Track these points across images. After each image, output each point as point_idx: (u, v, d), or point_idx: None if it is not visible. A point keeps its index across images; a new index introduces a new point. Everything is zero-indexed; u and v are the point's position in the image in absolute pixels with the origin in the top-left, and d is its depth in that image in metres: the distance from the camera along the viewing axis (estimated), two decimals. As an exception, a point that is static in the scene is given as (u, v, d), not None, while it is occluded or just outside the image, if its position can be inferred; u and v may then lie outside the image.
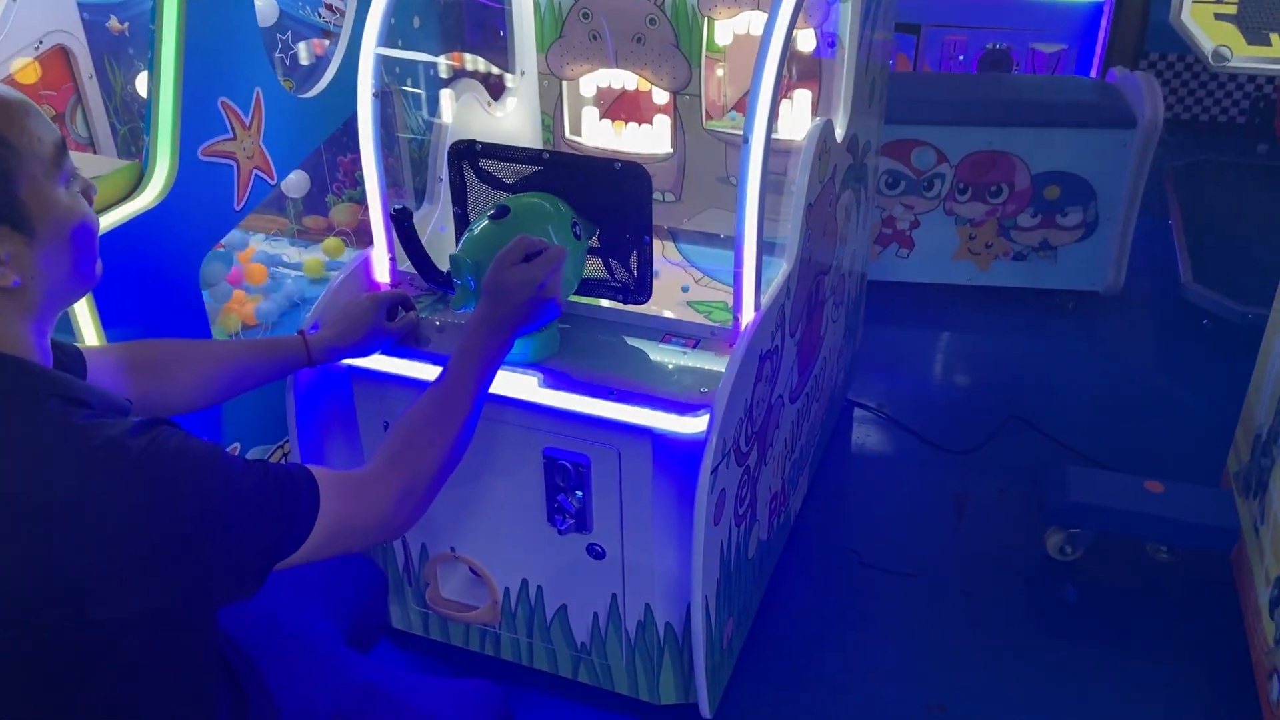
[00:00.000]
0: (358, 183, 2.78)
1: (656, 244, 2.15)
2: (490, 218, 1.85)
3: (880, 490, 2.87)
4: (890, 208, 3.54)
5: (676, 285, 2.41)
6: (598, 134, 2.81)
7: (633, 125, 2.78)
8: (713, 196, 2.77)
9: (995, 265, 3.59)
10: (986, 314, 3.62)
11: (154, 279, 1.95)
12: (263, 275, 2.68)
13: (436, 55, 2.79)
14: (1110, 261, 3.46)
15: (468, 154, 2.04)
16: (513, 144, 2.08)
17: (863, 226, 2.93)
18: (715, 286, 2.44)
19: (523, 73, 2.72)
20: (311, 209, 2.82)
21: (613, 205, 1.97)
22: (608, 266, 2.03)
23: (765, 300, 2.02)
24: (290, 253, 2.81)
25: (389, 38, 2.09)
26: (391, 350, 2.00)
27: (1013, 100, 3.47)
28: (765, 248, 1.98)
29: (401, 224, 1.87)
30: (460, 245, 1.87)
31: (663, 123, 2.75)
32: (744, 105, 2.69)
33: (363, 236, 2.81)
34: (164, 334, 1.96)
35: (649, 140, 2.78)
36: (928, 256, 3.60)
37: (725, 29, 2.60)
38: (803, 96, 2.60)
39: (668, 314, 2.15)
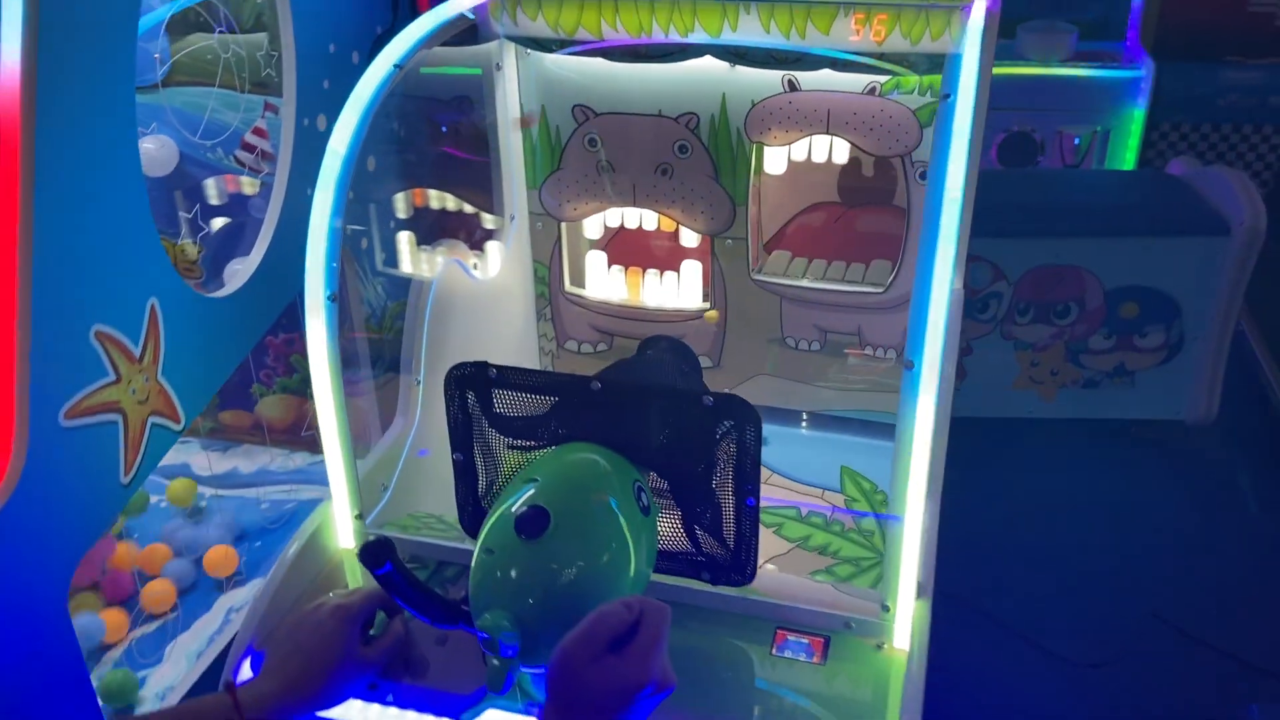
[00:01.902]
0: (294, 369, 2.10)
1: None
2: (521, 533, 1.18)
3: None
4: (937, 332, 2.96)
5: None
6: (606, 286, 2.19)
7: (653, 274, 2.16)
8: (761, 361, 2.16)
9: (1062, 395, 3.03)
10: (1057, 451, 3.05)
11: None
12: (165, 556, 1.95)
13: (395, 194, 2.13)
14: (1200, 386, 2.93)
15: (475, 381, 1.39)
16: (524, 368, 1.44)
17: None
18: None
19: (512, 218, 2.08)
20: (231, 401, 2.11)
21: (700, 454, 1.33)
22: (691, 535, 1.39)
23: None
24: (200, 461, 2.09)
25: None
26: (371, 693, 1.32)
27: (1078, 204, 2.95)
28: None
29: (382, 565, 1.18)
30: (480, 585, 1.19)
31: (694, 270, 2.13)
32: (795, 243, 2.10)
33: (297, 436, 2.11)
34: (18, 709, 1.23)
35: (676, 294, 2.16)
36: (983, 387, 3.03)
37: (777, 156, 2.00)
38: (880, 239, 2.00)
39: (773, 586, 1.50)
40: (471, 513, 1.48)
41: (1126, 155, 3.70)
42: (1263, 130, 4.22)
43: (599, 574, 1.19)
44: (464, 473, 1.46)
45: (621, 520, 1.25)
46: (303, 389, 2.11)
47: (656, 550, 1.35)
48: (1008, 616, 2.49)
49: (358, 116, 1.46)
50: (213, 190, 2.04)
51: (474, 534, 1.47)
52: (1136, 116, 3.61)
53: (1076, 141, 3.67)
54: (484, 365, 1.38)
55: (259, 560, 2.01)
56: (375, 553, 1.16)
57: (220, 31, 1.59)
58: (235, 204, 1.80)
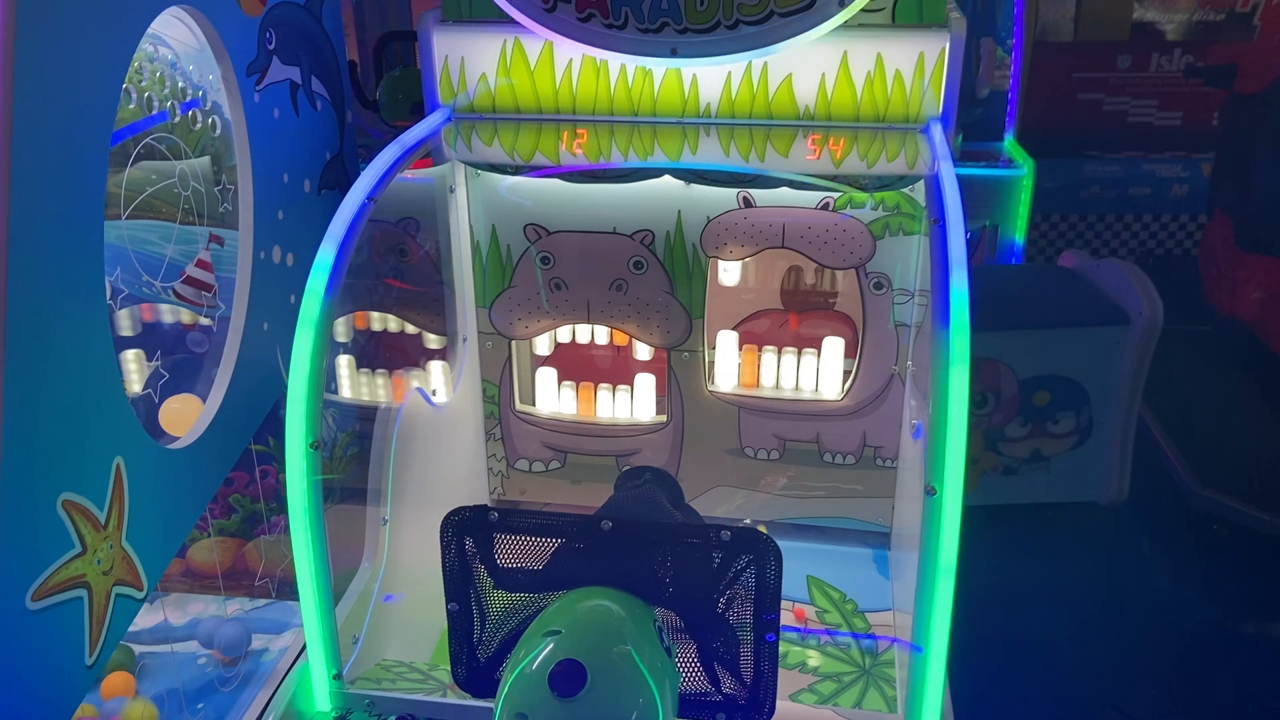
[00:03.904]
0: (233, 509, 1.96)
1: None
2: (557, 691, 1.11)
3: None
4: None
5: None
6: (557, 403, 2.14)
7: (605, 389, 2.13)
8: (720, 473, 2.14)
9: (983, 482, 3.12)
10: (981, 538, 3.11)
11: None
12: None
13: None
14: (1111, 469, 3.06)
15: (474, 527, 1.32)
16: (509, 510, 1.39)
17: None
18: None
19: (464, 338, 2.02)
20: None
21: (718, 590, 1.29)
22: (710, 672, 1.34)
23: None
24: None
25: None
26: None
27: (987, 299, 3.05)
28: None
29: None
30: None
31: (648, 384, 2.11)
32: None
33: (236, 583, 1.97)
34: None
35: (630, 408, 2.13)
36: (908, 480, 3.09)
37: (731, 269, 2.02)
38: (834, 347, 2.03)
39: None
40: (468, 665, 1.39)
41: (1015, 247, 3.90)
42: (1124, 219, 4.54)
43: (651, 698, 1.14)
44: (460, 623, 1.37)
45: (648, 665, 1.20)
46: (244, 531, 1.97)
47: (679, 690, 1.30)
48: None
49: (335, 252, 1.40)
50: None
51: (472, 689, 1.39)
52: (1021, 211, 3.82)
53: (969, 236, 3.85)
54: (484, 509, 1.32)
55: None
56: None
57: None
58: (176, 340, 1.69)
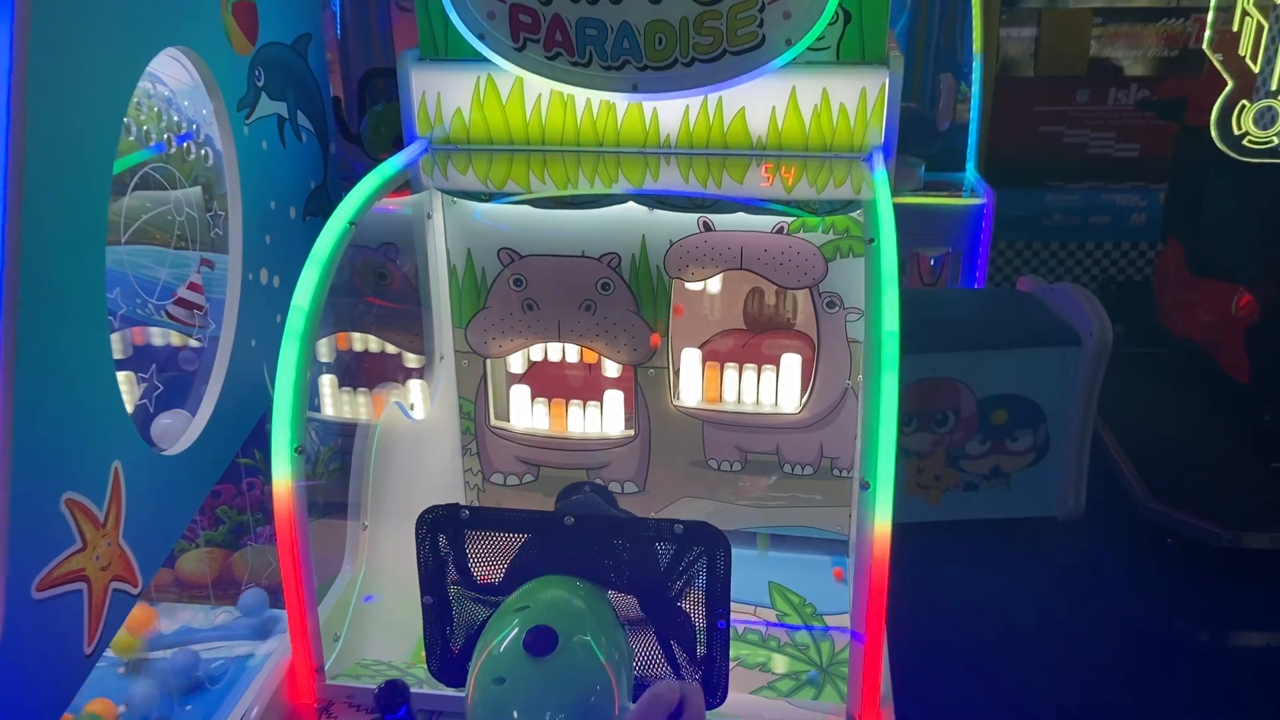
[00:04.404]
0: (220, 521, 2.05)
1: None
2: (531, 652, 1.21)
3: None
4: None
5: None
6: (531, 418, 2.25)
7: (576, 405, 2.24)
8: (686, 484, 2.25)
9: (946, 498, 3.23)
10: (946, 552, 3.23)
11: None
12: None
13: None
14: (1068, 484, 3.18)
15: (446, 525, 1.42)
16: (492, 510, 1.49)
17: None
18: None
19: (442, 357, 2.13)
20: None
21: (672, 579, 1.40)
22: (670, 658, 1.44)
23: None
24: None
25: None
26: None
27: (948, 321, 3.20)
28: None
29: (397, 710, 1.19)
30: (500, 714, 1.20)
31: (616, 399, 2.22)
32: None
33: (223, 593, 2.06)
34: None
35: (600, 422, 2.24)
36: (874, 496, 3.19)
37: (689, 290, 2.14)
38: (792, 363, 2.15)
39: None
40: (442, 656, 1.49)
41: (975, 273, 4.04)
42: (1085, 246, 4.70)
43: (607, 683, 1.23)
44: (435, 616, 1.47)
45: (611, 635, 1.30)
46: (230, 541, 2.07)
47: (634, 673, 1.39)
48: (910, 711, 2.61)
49: (319, 271, 1.51)
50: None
51: (446, 678, 1.48)
52: (983, 238, 3.96)
53: (933, 262, 4.00)
54: (456, 507, 1.42)
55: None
56: (391, 695, 1.17)
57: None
58: (168, 359, 1.80)
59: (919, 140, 4.06)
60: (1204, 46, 2.62)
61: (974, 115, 4.10)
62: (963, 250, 4.02)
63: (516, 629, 1.23)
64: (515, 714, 1.18)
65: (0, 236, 1.16)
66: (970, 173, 4.15)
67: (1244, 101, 2.38)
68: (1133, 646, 2.90)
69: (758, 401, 2.19)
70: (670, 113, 1.90)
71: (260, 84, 1.79)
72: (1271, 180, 3.38)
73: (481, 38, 1.83)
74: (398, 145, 2.00)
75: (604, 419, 2.24)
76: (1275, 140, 2.29)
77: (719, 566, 1.39)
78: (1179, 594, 3.10)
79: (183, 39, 1.52)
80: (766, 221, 2.00)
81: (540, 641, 1.20)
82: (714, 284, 2.12)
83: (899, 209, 4.31)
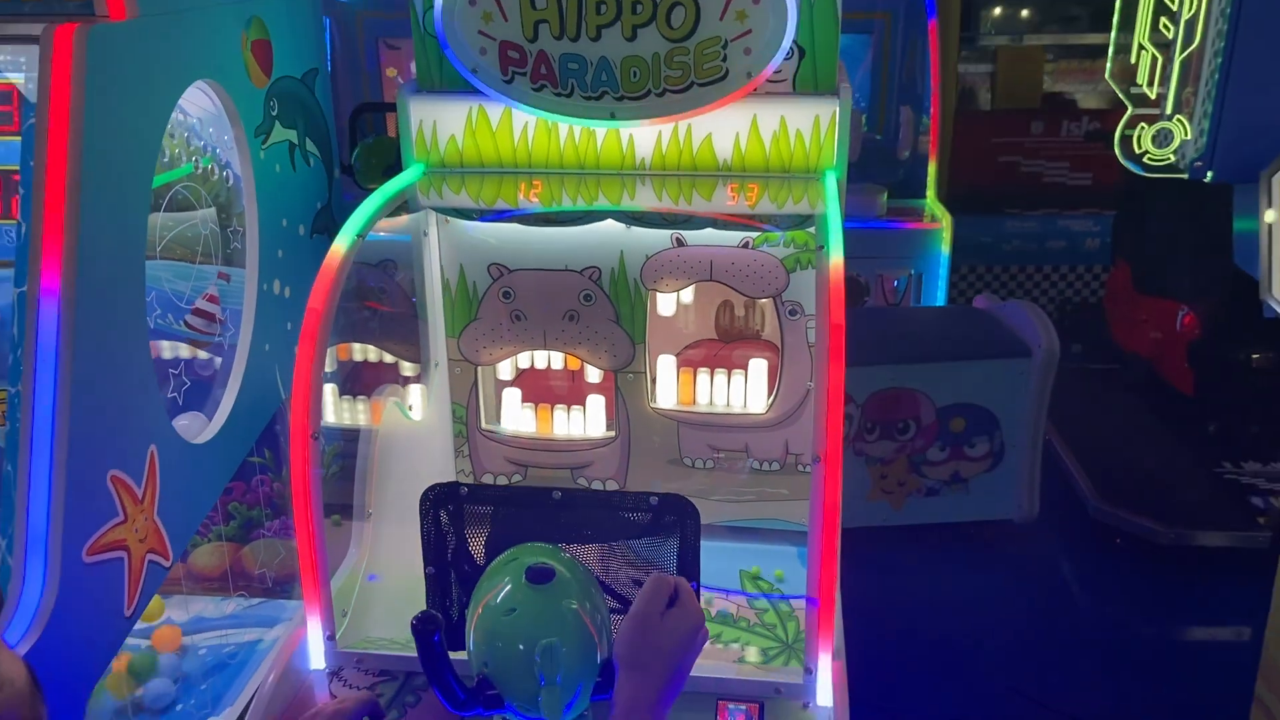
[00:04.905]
0: (231, 516, 2.21)
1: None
2: (532, 581, 1.37)
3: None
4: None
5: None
6: (520, 421, 2.43)
7: (561, 409, 2.42)
8: (665, 482, 2.42)
9: (908, 502, 3.42)
10: (910, 554, 3.42)
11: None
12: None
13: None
14: (1023, 488, 3.38)
15: (447, 500, 1.60)
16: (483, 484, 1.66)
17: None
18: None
19: (436, 365, 2.31)
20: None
21: (650, 548, 1.58)
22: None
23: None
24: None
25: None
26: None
27: (909, 335, 3.42)
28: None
29: (428, 639, 1.36)
30: (516, 635, 1.35)
31: (598, 403, 2.40)
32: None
33: (227, 584, 2.22)
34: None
35: (583, 425, 2.42)
36: (843, 500, 3.38)
37: (668, 300, 2.33)
38: (759, 367, 2.34)
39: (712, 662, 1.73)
40: (444, 623, 1.65)
41: (937, 293, 4.26)
42: (1043, 269, 4.94)
43: (599, 605, 1.40)
44: (436, 585, 1.64)
45: (591, 590, 1.47)
46: (241, 535, 2.22)
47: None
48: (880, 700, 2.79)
49: (334, 276, 1.69)
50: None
51: (448, 643, 1.64)
52: (943, 261, 4.19)
53: (896, 284, 4.22)
54: (456, 484, 1.60)
55: (215, 698, 2.05)
56: (425, 622, 1.34)
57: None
58: (186, 366, 1.96)
59: (881, 169, 4.30)
60: (1106, 76, 2.94)
61: (933, 145, 4.34)
62: (924, 273, 4.24)
63: (514, 571, 1.39)
64: (535, 632, 1.33)
65: (59, 249, 1.34)
66: (929, 199, 4.39)
67: (1142, 124, 2.69)
68: (1082, 636, 3.10)
69: (728, 403, 2.37)
70: (645, 138, 2.10)
71: (274, 113, 1.98)
72: (1210, 204, 3.63)
73: (474, 71, 2.03)
74: (387, 175, 2.18)
75: (587, 421, 2.42)
76: (1171, 158, 2.54)
77: (689, 534, 1.57)
78: (1125, 588, 3.31)
79: (211, 73, 1.71)
80: (733, 236, 2.20)
81: (540, 573, 1.36)
82: (687, 295, 2.32)
83: (863, 234, 4.56)
